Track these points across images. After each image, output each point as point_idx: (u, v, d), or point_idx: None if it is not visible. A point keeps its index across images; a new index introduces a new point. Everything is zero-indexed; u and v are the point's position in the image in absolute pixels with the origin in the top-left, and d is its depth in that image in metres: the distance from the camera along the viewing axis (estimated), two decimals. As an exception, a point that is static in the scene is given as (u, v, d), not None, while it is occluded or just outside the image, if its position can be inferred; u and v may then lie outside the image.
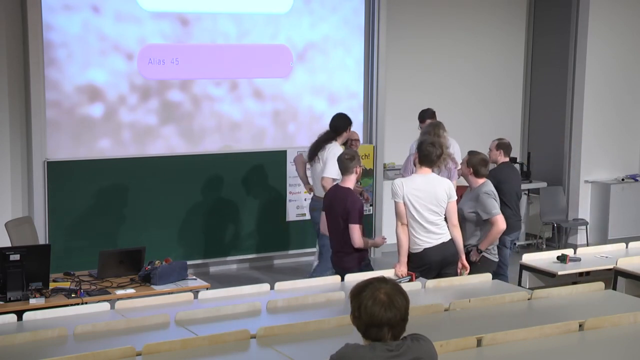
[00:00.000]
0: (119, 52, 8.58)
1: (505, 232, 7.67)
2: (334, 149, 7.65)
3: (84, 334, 4.63)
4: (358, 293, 3.08)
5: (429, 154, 6.19)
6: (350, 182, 6.36)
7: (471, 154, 6.73)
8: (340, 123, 7.85)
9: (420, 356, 3.10)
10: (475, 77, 10.68)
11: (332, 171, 7.48)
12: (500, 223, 6.45)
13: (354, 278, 5.77)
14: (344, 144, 7.98)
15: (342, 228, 6.29)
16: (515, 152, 10.91)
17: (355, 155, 6.40)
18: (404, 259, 6.18)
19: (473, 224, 6.58)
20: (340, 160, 6.43)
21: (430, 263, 6.19)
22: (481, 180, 6.64)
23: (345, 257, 6.33)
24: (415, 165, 6.41)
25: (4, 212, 8.14)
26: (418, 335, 3.17)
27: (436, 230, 6.19)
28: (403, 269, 6.10)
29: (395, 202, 6.20)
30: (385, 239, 6.64)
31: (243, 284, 6.42)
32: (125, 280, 6.18)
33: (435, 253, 6.19)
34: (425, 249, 6.17)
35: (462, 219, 6.53)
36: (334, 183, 7.36)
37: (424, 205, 6.15)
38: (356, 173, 6.35)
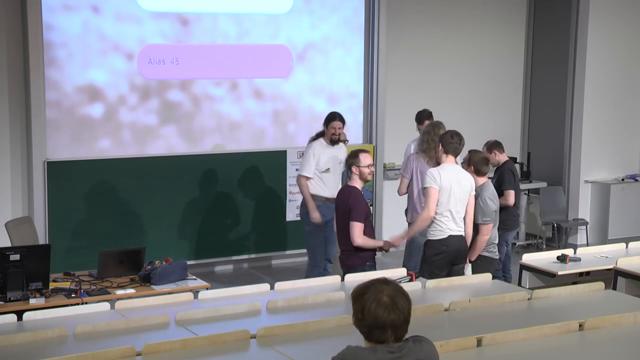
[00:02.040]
0: (119, 52, 8.58)
1: (506, 229, 7.71)
2: (311, 147, 7.80)
3: (84, 334, 4.63)
4: (360, 295, 3.07)
5: (454, 142, 6.36)
6: (355, 181, 6.36)
7: (472, 152, 6.74)
8: (325, 120, 7.92)
9: (421, 358, 3.10)
10: (475, 77, 10.69)
11: (303, 169, 7.74)
12: (485, 232, 6.49)
13: (354, 278, 5.78)
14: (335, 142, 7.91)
15: (346, 226, 6.29)
16: (515, 152, 10.93)
17: (356, 154, 6.38)
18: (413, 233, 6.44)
19: None
20: (347, 157, 6.49)
21: (450, 251, 6.32)
22: (482, 180, 6.64)
23: (351, 256, 6.33)
24: (440, 157, 6.47)
25: (4, 212, 8.14)
26: (420, 337, 3.17)
27: (460, 223, 6.36)
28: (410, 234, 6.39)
29: (430, 188, 6.24)
30: (394, 246, 6.59)
31: (243, 284, 6.42)
32: (125, 280, 6.18)
33: (456, 242, 6.34)
34: (449, 235, 6.32)
35: None
36: (307, 181, 7.67)
37: (456, 195, 6.29)
38: (355, 172, 6.34)
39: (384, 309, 3.00)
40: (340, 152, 7.88)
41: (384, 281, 3.10)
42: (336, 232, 6.60)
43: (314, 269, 7.79)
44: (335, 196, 7.67)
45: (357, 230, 6.21)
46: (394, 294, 3.03)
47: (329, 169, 7.75)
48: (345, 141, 8.21)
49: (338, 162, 7.83)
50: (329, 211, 7.73)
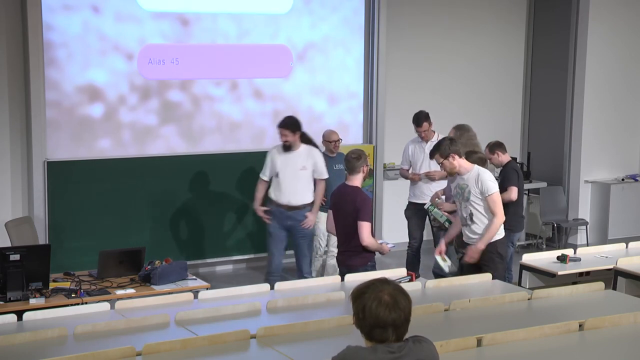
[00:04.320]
0: (119, 52, 8.58)
1: (512, 230, 7.73)
2: (269, 151, 7.78)
3: (84, 334, 4.63)
4: (361, 294, 3.07)
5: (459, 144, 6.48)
6: (358, 180, 6.34)
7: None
8: None
9: (421, 358, 3.10)
10: (475, 77, 10.69)
11: (262, 171, 7.72)
12: None
13: (355, 278, 5.78)
14: (307, 141, 7.75)
15: (350, 226, 6.26)
16: (515, 152, 10.92)
17: (362, 155, 6.38)
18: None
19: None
20: (347, 159, 6.39)
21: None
22: None
23: (353, 256, 6.30)
24: (463, 164, 6.39)
25: (4, 212, 8.14)
26: (420, 337, 3.17)
27: None
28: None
29: (497, 193, 6.28)
30: (390, 250, 6.58)
31: (243, 284, 6.43)
32: (125, 280, 6.18)
33: None
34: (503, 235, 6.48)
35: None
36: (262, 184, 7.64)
37: None
38: (363, 172, 6.35)
39: (385, 307, 3.00)
40: (299, 157, 7.57)
41: (384, 281, 3.10)
42: (335, 232, 6.57)
43: (269, 277, 7.54)
44: (290, 203, 7.57)
45: (367, 230, 6.19)
46: (395, 293, 3.04)
47: (277, 173, 7.58)
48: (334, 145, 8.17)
49: (299, 169, 7.55)
50: (282, 217, 7.58)
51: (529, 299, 5.44)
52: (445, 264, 6.58)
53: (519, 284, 6.76)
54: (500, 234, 6.35)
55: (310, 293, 5.53)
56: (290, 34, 9.38)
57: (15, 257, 5.57)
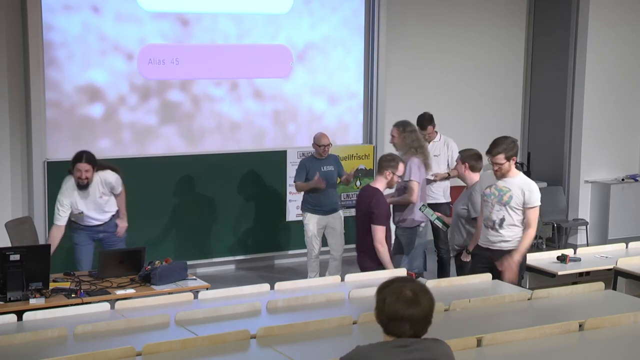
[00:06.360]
0: (119, 52, 8.58)
1: None
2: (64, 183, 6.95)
3: (84, 334, 4.63)
4: (384, 287, 3.12)
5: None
6: (380, 183, 6.36)
7: (462, 151, 6.79)
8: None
9: (431, 357, 3.11)
10: (476, 76, 10.68)
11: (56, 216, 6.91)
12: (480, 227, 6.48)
13: (355, 278, 5.79)
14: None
15: (363, 227, 6.30)
16: (515, 152, 10.91)
17: (395, 159, 6.45)
18: None
19: (464, 221, 6.61)
20: (381, 159, 6.52)
21: None
22: (477, 177, 6.66)
23: (368, 258, 6.31)
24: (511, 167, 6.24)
25: (4, 212, 8.13)
26: (437, 339, 3.19)
27: None
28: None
29: (538, 207, 6.15)
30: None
31: (243, 284, 6.42)
32: (125, 280, 6.18)
33: None
34: None
35: (456, 217, 6.62)
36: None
37: None
38: (387, 178, 6.35)
39: (404, 302, 3.04)
40: (96, 189, 6.88)
41: (409, 279, 3.19)
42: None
43: None
44: (98, 223, 7.00)
45: (380, 234, 6.20)
46: (417, 290, 3.08)
47: (82, 212, 6.90)
48: None
49: (97, 197, 6.89)
50: (92, 232, 7.06)
51: (529, 299, 5.43)
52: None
53: (519, 284, 6.75)
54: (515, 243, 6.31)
55: (310, 293, 5.52)
56: (290, 34, 9.38)
57: (15, 257, 5.57)
